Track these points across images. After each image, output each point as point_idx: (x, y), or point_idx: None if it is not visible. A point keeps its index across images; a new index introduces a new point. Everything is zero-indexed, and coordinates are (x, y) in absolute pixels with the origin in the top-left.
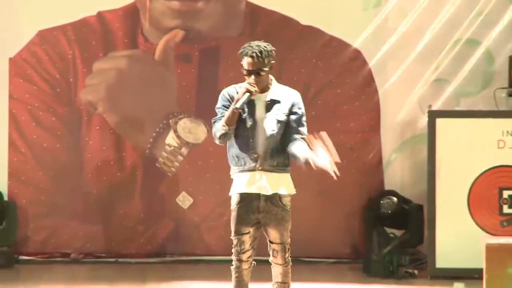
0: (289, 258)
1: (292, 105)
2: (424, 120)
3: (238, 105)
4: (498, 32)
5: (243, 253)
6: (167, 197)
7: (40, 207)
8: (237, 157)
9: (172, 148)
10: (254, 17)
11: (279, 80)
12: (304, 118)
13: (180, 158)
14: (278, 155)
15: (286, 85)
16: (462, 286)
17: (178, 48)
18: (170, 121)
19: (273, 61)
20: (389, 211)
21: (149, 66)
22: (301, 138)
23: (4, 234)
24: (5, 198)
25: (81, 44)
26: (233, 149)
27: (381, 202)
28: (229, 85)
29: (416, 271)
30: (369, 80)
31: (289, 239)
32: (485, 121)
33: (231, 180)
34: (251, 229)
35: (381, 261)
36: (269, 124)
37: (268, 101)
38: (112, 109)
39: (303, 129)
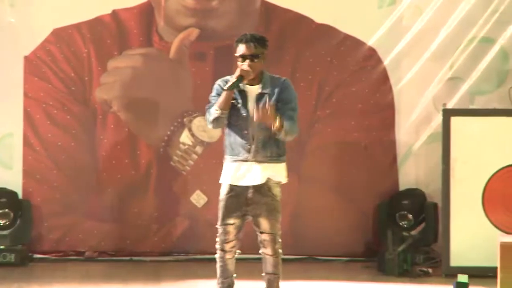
0: (280, 249)
1: (279, 93)
2: (438, 118)
3: (227, 86)
4: None
5: (227, 243)
6: (181, 196)
7: (55, 205)
8: (232, 146)
9: (186, 146)
10: (268, 16)
11: (294, 77)
12: (294, 104)
13: (195, 156)
14: (271, 145)
15: (300, 83)
16: (466, 278)
17: (193, 46)
18: (185, 119)
19: (266, 52)
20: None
21: (164, 64)
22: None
23: (18, 233)
24: (20, 196)
25: (96, 42)
26: (228, 138)
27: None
28: None
29: (430, 270)
30: (384, 78)
31: (280, 230)
32: (500, 119)
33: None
34: (237, 221)
35: (395, 259)
36: None
37: (258, 94)
38: (126, 108)
39: (292, 113)
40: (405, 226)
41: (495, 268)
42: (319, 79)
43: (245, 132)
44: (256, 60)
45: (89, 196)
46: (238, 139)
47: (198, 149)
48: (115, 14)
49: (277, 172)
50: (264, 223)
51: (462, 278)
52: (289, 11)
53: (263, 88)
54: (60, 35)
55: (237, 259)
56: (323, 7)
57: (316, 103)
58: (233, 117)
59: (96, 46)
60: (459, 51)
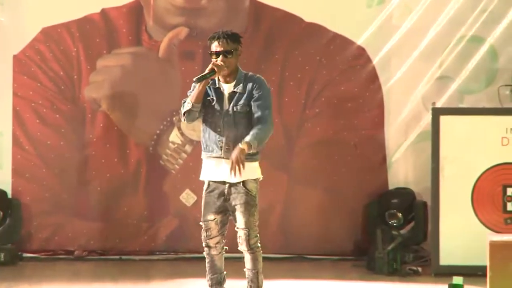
0: (257, 245)
1: (251, 92)
2: (428, 117)
3: (196, 77)
4: (502, 29)
5: (210, 238)
6: (171, 195)
7: (44, 204)
8: (206, 143)
9: (176, 145)
10: (258, 14)
11: (283, 76)
12: (266, 101)
13: (184, 155)
14: None
15: (290, 82)
16: (461, 280)
17: (182, 45)
18: (174, 118)
19: (240, 48)
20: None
21: (153, 63)
22: (258, 121)
23: (8, 232)
24: (9, 195)
25: (85, 41)
26: (203, 135)
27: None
28: None
29: (419, 269)
30: (373, 77)
31: (256, 227)
32: (489, 118)
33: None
34: (218, 216)
35: (384, 258)
36: (230, 116)
37: (231, 92)
38: (116, 106)
39: (265, 112)
40: (395, 224)
41: (484, 267)
42: (309, 78)
43: (219, 129)
44: (229, 56)
45: (78, 195)
46: (212, 136)
47: (188, 148)
48: (104, 13)
49: (249, 172)
50: (238, 218)
51: (457, 280)
52: (278, 10)
53: (235, 86)
54: (49, 34)
55: (226, 258)
56: (312, 6)
57: (305, 102)
58: (208, 114)
59: (85, 45)
60: (448, 50)
